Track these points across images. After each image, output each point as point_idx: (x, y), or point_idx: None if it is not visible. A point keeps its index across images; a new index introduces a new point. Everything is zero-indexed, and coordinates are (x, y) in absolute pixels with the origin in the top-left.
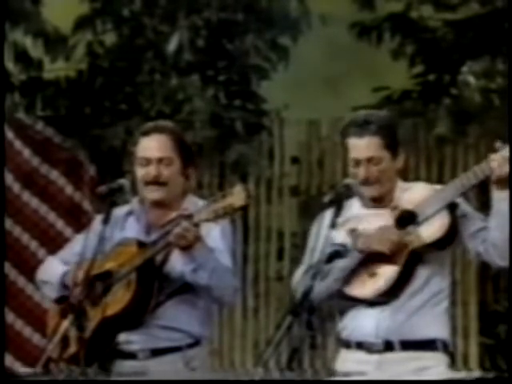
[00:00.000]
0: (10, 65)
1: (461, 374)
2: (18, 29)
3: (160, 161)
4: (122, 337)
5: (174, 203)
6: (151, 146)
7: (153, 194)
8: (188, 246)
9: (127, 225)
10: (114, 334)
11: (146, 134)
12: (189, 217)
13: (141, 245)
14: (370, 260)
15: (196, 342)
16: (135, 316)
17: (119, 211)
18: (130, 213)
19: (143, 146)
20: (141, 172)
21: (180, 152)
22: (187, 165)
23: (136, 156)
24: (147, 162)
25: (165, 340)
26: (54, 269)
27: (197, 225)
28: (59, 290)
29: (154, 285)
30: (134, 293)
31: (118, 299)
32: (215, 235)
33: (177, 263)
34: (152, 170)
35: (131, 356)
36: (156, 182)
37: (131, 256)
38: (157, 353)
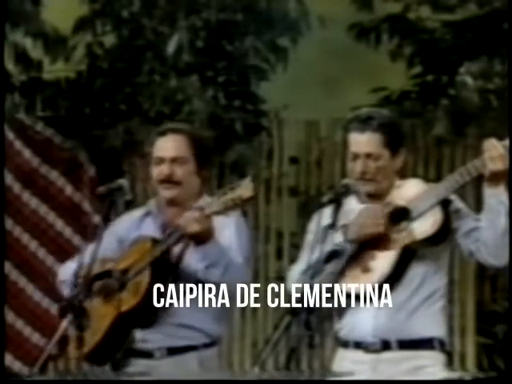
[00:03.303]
0: (9, 65)
1: (457, 374)
2: (18, 30)
3: (174, 160)
4: (139, 335)
5: (189, 203)
6: (166, 146)
7: (166, 192)
8: (201, 237)
9: (144, 225)
10: (129, 330)
11: (162, 134)
12: (200, 209)
13: (155, 241)
14: (364, 255)
15: (212, 342)
16: (149, 312)
17: (136, 213)
18: (147, 214)
19: (159, 145)
20: (155, 171)
21: (195, 153)
22: (203, 166)
23: (152, 156)
24: (161, 161)
25: (181, 338)
26: (68, 268)
27: (208, 217)
28: (72, 288)
29: (168, 281)
30: (147, 289)
31: (132, 295)
32: (230, 232)
33: (191, 260)
34: (165, 169)
35: (148, 355)
36: (169, 180)
37: (145, 252)
38: (173, 351)
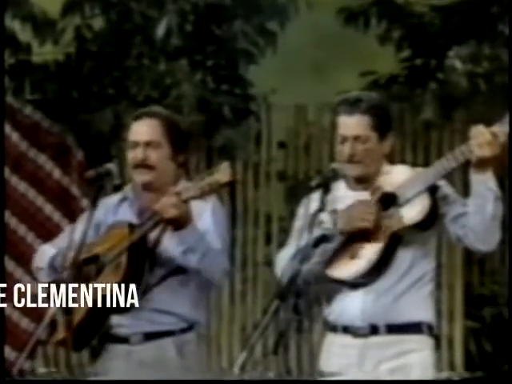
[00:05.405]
0: None
1: (445, 357)
2: (7, 13)
3: (147, 144)
4: (115, 320)
5: (165, 188)
6: (140, 130)
7: (141, 176)
8: (179, 222)
9: (120, 210)
10: (106, 315)
11: (137, 118)
12: (177, 194)
13: (132, 227)
14: (352, 241)
15: (189, 327)
16: (126, 297)
17: (112, 198)
18: (123, 199)
19: (133, 130)
20: (130, 155)
21: (170, 137)
22: (178, 151)
23: (127, 140)
24: (135, 145)
25: (158, 324)
26: (45, 254)
27: (185, 202)
28: (50, 274)
29: (144, 266)
30: (124, 274)
31: (108, 280)
32: (206, 217)
33: (168, 245)
34: (139, 153)
35: (123, 340)
36: (143, 165)
37: (122, 238)
38: (150, 337)
